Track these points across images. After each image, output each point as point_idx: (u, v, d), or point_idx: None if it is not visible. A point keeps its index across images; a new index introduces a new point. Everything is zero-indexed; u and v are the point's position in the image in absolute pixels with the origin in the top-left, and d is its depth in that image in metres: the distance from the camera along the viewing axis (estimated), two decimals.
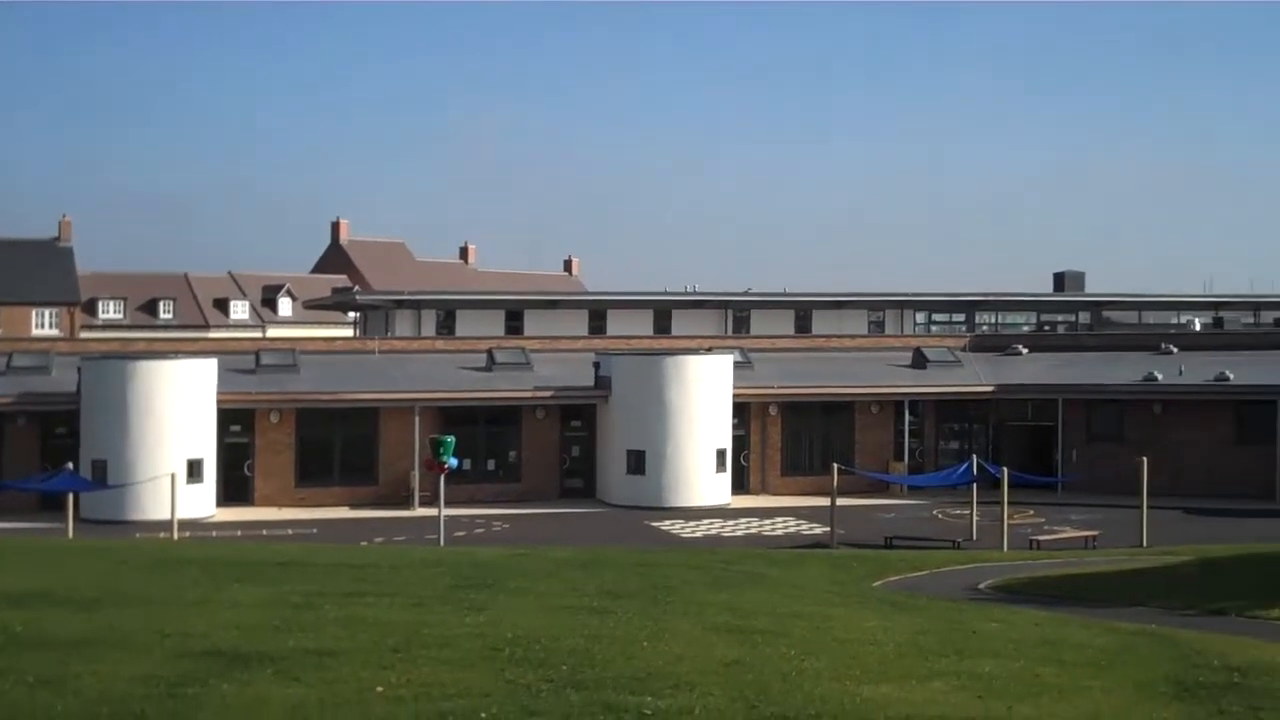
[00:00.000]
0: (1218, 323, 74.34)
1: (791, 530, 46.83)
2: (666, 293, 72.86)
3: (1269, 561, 34.11)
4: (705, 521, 48.78)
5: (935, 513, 50.62)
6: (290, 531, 45.19)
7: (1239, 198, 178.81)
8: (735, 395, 54.42)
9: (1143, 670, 16.93)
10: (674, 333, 65.34)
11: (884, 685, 14.45)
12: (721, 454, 53.45)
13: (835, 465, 45.38)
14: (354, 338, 71.59)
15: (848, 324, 68.84)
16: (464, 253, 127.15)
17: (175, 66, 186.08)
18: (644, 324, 66.12)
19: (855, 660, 16.13)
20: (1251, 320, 78.23)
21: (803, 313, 69.74)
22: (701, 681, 13.90)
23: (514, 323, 65.64)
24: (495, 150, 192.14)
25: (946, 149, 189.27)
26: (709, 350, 56.53)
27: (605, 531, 45.62)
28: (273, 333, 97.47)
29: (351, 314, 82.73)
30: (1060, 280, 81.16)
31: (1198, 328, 70.99)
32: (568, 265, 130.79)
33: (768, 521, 48.84)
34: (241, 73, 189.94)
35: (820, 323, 68.75)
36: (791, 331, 67.61)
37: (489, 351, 56.88)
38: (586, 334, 64.25)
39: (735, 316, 68.85)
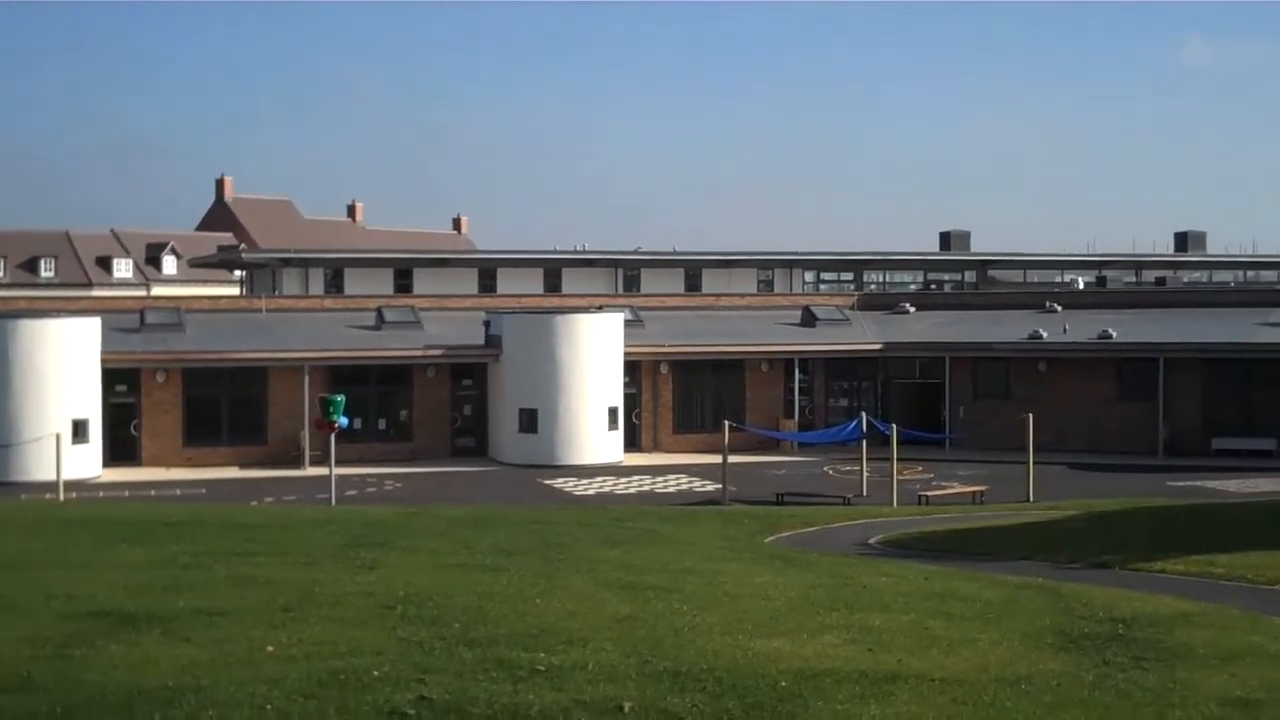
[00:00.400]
0: (1101, 282, 75.45)
1: (684, 487, 47.04)
2: (557, 251, 72.66)
3: (1151, 515, 34.73)
4: (598, 479, 48.87)
5: (825, 469, 51.06)
6: (179, 492, 44.70)
7: (1119, 159, 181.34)
8: (626, 354, 54.48)
9: (1029, 622, 17.19)
10: (564, 291, 65.24)
11: (775, 640, 14.56)
12: (613, 412, 53.54)
13: (726, 423, 45.59)
14: (241, 296, 70.82)
15: (737, 283, 69.09)
16: (351, 211, 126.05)
17: (54, 18, 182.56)
18: (534, 283, 65.96)
19: (747, 615, 16.24)
20: (1133, 279, 79.47)
21: (693, 271, 69.90)
22: (594, 637, 13.93)
23: (403, 281, 65.22)
24: (384, 108, 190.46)
25: (836, 110, 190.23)
26: (600, 309, 56.51)
27: (497, 490, 45.58)
28: (157, 291, 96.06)
29: (238, 273, 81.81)
30: (946, 239, 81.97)
31: (1081, 286, 72.00)
32: (457, 224, 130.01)
33: (660, 479, 49.02)
34: (123, 26, 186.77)
35: (710, 281, 68.94)
36: (682, 290, 67.74)
37: (378, 310, 56.50)
38: (477, 293, 63.97)
39: (626, 275, 68.86)
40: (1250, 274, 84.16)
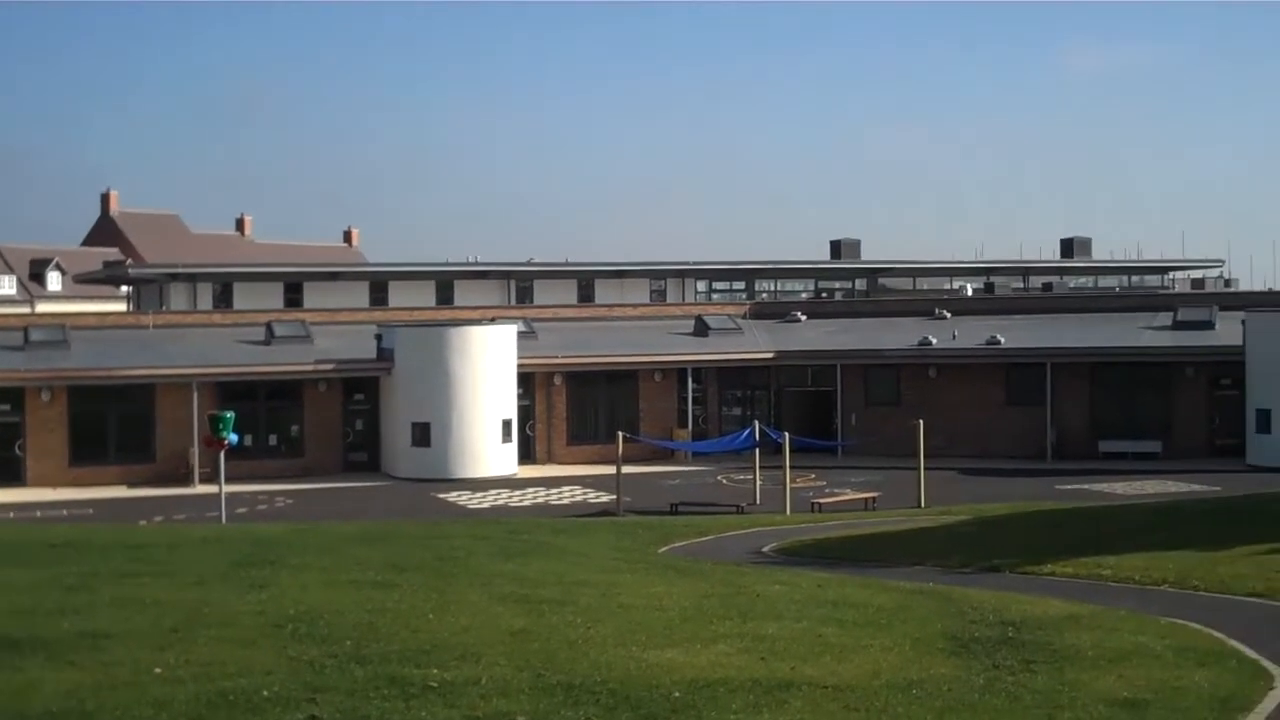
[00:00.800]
0: (989, 288, 76.30)
1: (578, 499, 46.98)
2: (449, 263, 72.30)
3: (1040, 519, 35.17)
4: (492, 492, 48.68)
5: (719, 478, 51.21)
6: (65, 512, 43.97)
7: (1007, 166, 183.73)
8: (519, 365, 54.35)
9: (920, 627, 17.34)
10: (457, 303, 64.94)
11: (669, 650, 14.58)
12: (507, 424, 53.37)
13: (620, 433, 45.61)
14: (127, 313, 69.81)
15: (630, 293, 69.15)
16: (240, 224, 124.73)
17: None
18: (426, 295, 65.61)
19: (641, 626, 16.25)
20: (1021, 285, 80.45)
21: (585, 282, 69.86)
22: (488, 652, 13.88)
23: (293, 295, 64.65)
24: (272, 120, 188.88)
25: (725, 119, 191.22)
26: (492, 321, 56.34)
27: (390, 505, 45.27)
28: (42, 308, 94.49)
29: (124, 288, 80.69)
30: (837, 248, 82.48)
31: (970, 293, 72.79)
32: (347, 236, 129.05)
33: (554, 491, 48.93)
34: (2, 35, 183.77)
35: (603, 292, 68.93)
36: (574, 301, 67.69)
37: (268, 325, 55.96)
38: (368, 306, 63.56)
39: (518, 287, 68.70)
40: (1135, 279, 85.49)
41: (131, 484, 50.65)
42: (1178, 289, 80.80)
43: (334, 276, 68.04)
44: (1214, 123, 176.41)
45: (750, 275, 73.94)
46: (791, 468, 43.82)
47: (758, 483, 45.67)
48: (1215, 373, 54.75)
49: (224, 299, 63.59)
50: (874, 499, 43.52)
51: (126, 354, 52.24)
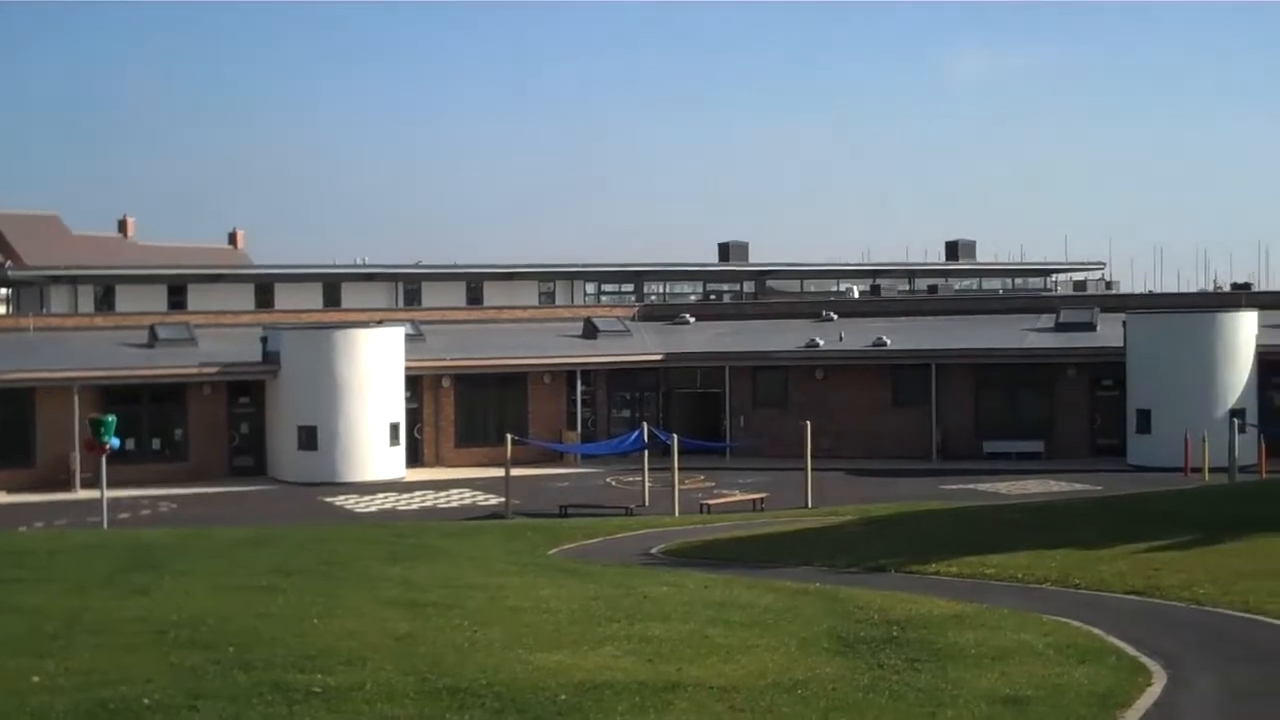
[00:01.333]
0: (875, 290, 77.00)
1: (467, 502, 46.83)
2: (336, 265, 71.81)
3: (925, 519, 35.53)
4: (380, 495, 48.40)
5: (609, 480, 51.25)
6: None
7: (893, 170, 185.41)
8: (407, 368, 54.07)
9: (806, 627, 17.47)
10: (344, 306, 64.52)
11: (556, 653, 14.58)
12: (395, 427, 53.08)
13: (509, 436, 45.52)
14: (6, 315, 68.64)
15: (519, 295, 69.05)
16: (123, 226, 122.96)
17: None
18: (313, 298, 65.10)
19: (528, 629, 16.24)
20: (906, 288, 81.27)
21: (474, 284, 69.64)
22: (373, 657, 13.81)
23: (177, 298, 63.88)
24: (156, 120, 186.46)
25: (611, 121, 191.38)
26: (379, 323, 56.02)
27: (277, 509, 44.86)
28: None
29: (2, 290, 79.31)
30: (725, 250, 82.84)
31: (856, 296, 73.40)
32: (232, 238, 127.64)
33: (443, 494, 48.74)
34: None
35: (492, 294, 68.77)
36: (463, 303, 67.46)
37: (151, 328, 55.25)
38: (253, 308, 62.94)
39: (406, 289, 68.36)
40: (1018, 281, 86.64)
41: (11, 490, 49.79)
42: (1060, 291, 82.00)
43: (218, 279, 67.34)
44: (1097, 128, 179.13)
45: (639, 277, 74.08)
46: (680, 469, 43.95)
47: (647, 484, 45.76)
48: (1096, 373, 55.63)
49: (106, 301, 62.71)
50: (762, 500, 43.75)
51: (5, 357, 51.36)
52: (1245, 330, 52.52)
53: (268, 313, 61.35)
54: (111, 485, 40.61)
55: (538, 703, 12.05)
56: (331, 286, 66.75)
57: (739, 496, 44.99)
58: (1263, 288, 72.24)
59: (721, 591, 21.12)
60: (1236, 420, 47.96)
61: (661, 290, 76.10)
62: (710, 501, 43.57)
